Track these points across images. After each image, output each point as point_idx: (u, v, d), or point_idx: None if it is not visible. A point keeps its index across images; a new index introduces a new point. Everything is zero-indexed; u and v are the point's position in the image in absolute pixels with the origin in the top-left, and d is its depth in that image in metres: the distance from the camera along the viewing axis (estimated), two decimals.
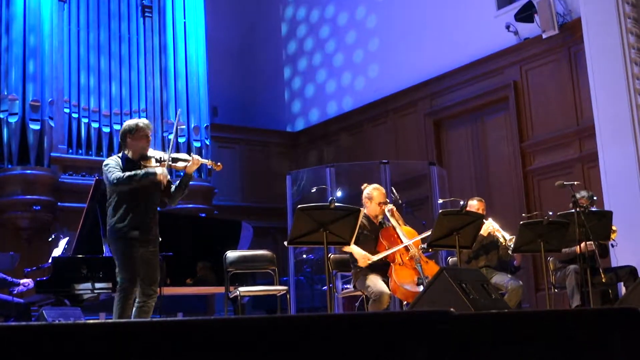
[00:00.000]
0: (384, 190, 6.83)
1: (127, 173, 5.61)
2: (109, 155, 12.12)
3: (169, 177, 5.75)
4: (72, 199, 11.35)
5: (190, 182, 5.97)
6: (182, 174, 5.93)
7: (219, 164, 5.99)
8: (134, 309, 5.72)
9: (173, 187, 5.90)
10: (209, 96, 13.49)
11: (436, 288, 5.09)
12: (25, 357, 1.69)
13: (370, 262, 6.35)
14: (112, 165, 5.70)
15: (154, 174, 5.62)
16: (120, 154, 5.88)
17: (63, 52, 12.20)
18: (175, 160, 5.81)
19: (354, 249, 6.28)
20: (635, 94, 9.41)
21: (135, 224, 5.65)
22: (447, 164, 12.23)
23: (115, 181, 5.61)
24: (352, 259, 6.61)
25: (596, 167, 9.86)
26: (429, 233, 6.44)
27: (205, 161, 5.92)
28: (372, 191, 6.73)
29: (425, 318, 2.30)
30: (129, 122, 5.90)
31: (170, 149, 5.96)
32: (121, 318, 5.52)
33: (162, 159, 5.75)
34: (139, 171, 5.62)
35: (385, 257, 6.43)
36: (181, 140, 12.79)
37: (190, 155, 5.91)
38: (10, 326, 1.72)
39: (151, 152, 5.84)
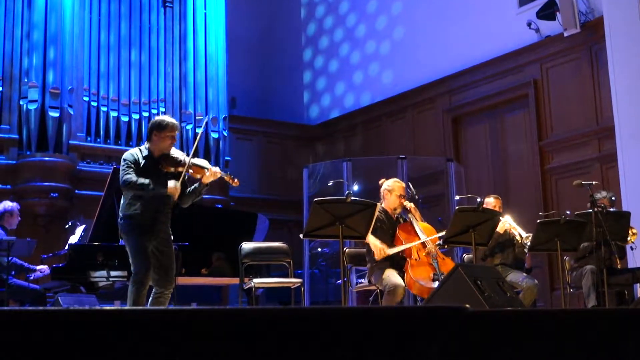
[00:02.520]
0: (404, 185, 6.83)
1: (140, 181, 5.62)
2: (127, 144, 12.18)
3: (180, 190, 5.71)
4: (90, 187, 11.40)
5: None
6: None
7: (236, 180, 5.95)
8: (151, 298, 5.77)
9: (187, 191, 5.91)
10: (228, 87, 13.50)
11: (451, 284, 5.07)
12: (39, 341, 1.70)
13: (385, 255, 6.35)
14: (128, 163, 5.70)
15: (162, 190, 5.64)
16: (144, 146, 5.88)
17: (83, 40, 12.23)
18: (194, 166, 5.79)
19: (371, 239, 6.27)
20: None
21: (147, 215, 5.68)
22: (465, 161, 12.19)
23: (124, 183, 5.65)
24: (368, 253, 6.61)
25: (615, 167, 9.80)
26: (441, 241, 6.46)
27: (223, 175, 5.86)
28: (393, 184, 6.73)
29: (440, 314, 2.29)
30: (159, 118, 5.95)
31: (192, 153, 5.84)
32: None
33: (182, 162, 5.74)
34: (150, 184, 5.61)
35: (402, 252, 6.42)
36: (198, 130, 12.80)
37: (209, 165, 5.89)
38: (25, 310, 1.73)
39: (173, 151, 5.83)
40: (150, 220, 5.69)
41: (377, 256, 6.36)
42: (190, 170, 5.77)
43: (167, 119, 5.92)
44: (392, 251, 6.38)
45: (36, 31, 11.56)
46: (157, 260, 5.74)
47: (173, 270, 5.83)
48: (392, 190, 6.70)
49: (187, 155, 5.85)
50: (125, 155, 5.81)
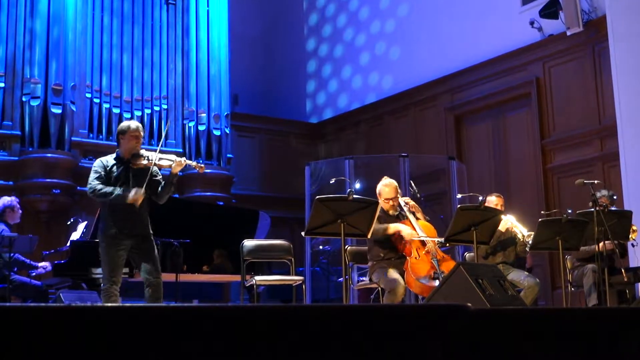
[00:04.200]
0: (394, 185, 6.79)
1: (103, 189, 5.89)
2: None
3: (143, 197, 5.91)
4: None
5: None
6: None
7: (202, 165, 6.28)
8: (145, 291, 5.95)
9: (160, 187, 6.13)
10: (230, 85, 13.50)
11: (452, 283, 5.07)
12: (41, 337, 1.71)
13: (416, 238, 6.41)
14: (96, 170, 6.00)
15: (125, 197, 5.85)
16: (114, 153, 6.17)
17: (86, 37, 12.24)
18: (161, 160, 6.05)
19: (398, 226, 6.32)
20: None
21: (117, 222, 5.90)
22: (467, 159, 12.19)
23: (90, 191, 5.95)
24: (370, 251, 6.62)
25: (617, 166, 9.79)
26: (442, 239, 6.49)
27: (190, 162, 6.15)
28: (381, 188, 6.76)
29: (441, 312, 2.30)
30: (123, 123, 6.26)
31: (158, 148, 6.17)
32: None
33: (149, 159, 6.00)
34: (113, 191, 5.88)
35: (402, 250, 6.45)
36: (201, 128, 12.81)
37: (178, 157, 6.14)
38: (27, 307, 1.73)
39: (142, 151, 6.08)
40: (117, 227, 5.90)
41: (407, 237, 6.40)
42: (158, 162, 6.03)
43: (130, 123, 6.22)
44: (420, 237, 6.43)
45: (39, 28, 11.56)
46: (138, 258, 6.00)
47: (154, 261, 6.01)
48: (380, 194, 6.72)
49: (156, 152, 6.14)
50: (95, 163, 6.14)
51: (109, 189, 5.88)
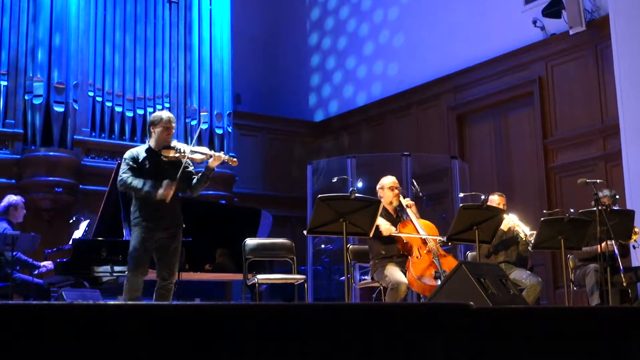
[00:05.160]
0: (394, 178, 6.85)
1: (133, 183, 5.80)
2: (131, 139, 12.21)
3: (171, 194, 5.82)
4: (94, 182, 11.41)
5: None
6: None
7: (235, 159, 6.10)
8: (155, 293, 5.89)
9: (195, 179, 6.04)
10: (233, 83, 13.50)
11: (455, 282, 5.07)
12: (43, 335, 1.71)
13: (391, 234, 6.42)
14: (127, 162, 5.91)
15: (155, 194, 5.77)
16: (146, 143, 6.09)
17: (89, 35, 12.24)
18: (194, 153, 5.95)
19: (379, 220, 6.34)
20: None
21: (148, 213, 5.83)
22: (469, 158, 12.18)
23: (120, 183, 5.88)
24: (371, 250, 6.63)
25: (619, 166, 9.79)
26: (444, 239, 6.50)
27: (224, 157, 6.00)
28: (382, 181, 6.84)
29: (443, 310, 2.30)
30: (155, 114, 6.16)
31: (192, 142, 6.08)
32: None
33: (182, 151, 5.91)
34: (143, 187, 5.79)
35: (404, 249, 6.45)
36: (204, 127, 12.80)
37: (211, 151, 6.07)
38: (29, 305, 1.74)
39: (174, 143, 6.02)
40: (150, 216, 5.83)
41: (385, 232, 6.40)
42: (191, 156, 5.92)
43: (161, 113, 6.11)
44: (398, 234, 6.42)
45: (41, 26, 11.56)
46: (160, 254, 5.91)
47: (173, 264, 5.96)
48: (382, 187, 6.76)
49: (189, 144, 6.04)
50: (126, 154, 6.01)
51: (139, 183, 5.79)
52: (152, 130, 6.00)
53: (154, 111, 12.50)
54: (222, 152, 6.07)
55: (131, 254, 5.84)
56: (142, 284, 5.86)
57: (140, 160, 5.90)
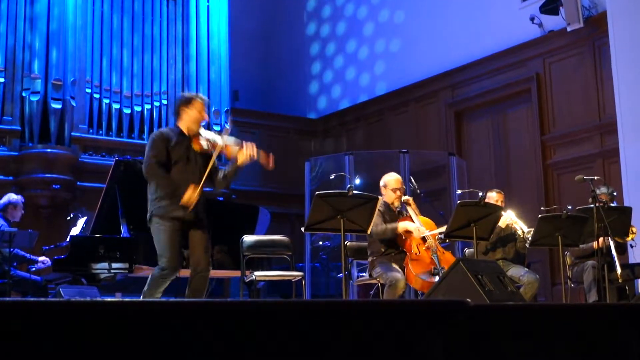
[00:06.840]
0: (399, 177, 6.83)
1: (158, 176, 5.36)
2: (129, 136, 12.21)
3: (196, 198, 5.41)
4: (92, 179, 11.40)
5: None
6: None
7: (271, 165, 5.72)
8: (187, 289, 5.54)
9: (220, 174, 5.72)
10: (230, 80, 13.49)
11: (452, 279, 5.08)
12: (41, 332, 1.71)
13: (427, 233, 6.42)
14: (153, 146, 5.41)
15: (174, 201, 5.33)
16: (173, 127, 5.65)
17: (86, 32, 12.22)
18: (228, 146, 5.51)
19: (407, 225, 6.32)
20: None
21: (169, 202, 5.42)
22: (467, 155, 12.19)
23: (145, 168, 5.42)
24: (370, 246, 6.63)
25: (617, 163, 9.79)
26: (444, 229, 6.49)
27: (255, 153, 5.55)
28: (387, 179, 6.79)
29: (441, 308, 2.30)
30: (185, 94, 5.73)
31: (223, 134, 5.63)
32: (146, 296, 5.49)
33: (214, 142, 5.48)
34: (167, 186, 5.37)
35: (402, 246, 6.46)
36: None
37: (245, 144, 5.54)
38: (26, 302, 1.73)
39: (203, 131, 5.58)
40: (169, 209, 5.42)
41: (417, 235, 6.39)
42: (225, 146, 5.49)
43: (194, 93, 5.78)
44: (428, 233, 6.44)
45: (39, 22, 11.55)
46: (191, 249, 5.56)
47: (202, 252, 5.57)
48: (386, 186, 6.75)
49: (221, 135, 5.61)
50: (155, 134, 5.56)
51: (163, 179, 5.35)
52: (182, 111, 5.52)
53: (152, 108, 12.52)
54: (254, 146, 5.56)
55: (164, 247, 5.41)
56: (168, 282, 5.48)
57: (171, 143, 5.43)
